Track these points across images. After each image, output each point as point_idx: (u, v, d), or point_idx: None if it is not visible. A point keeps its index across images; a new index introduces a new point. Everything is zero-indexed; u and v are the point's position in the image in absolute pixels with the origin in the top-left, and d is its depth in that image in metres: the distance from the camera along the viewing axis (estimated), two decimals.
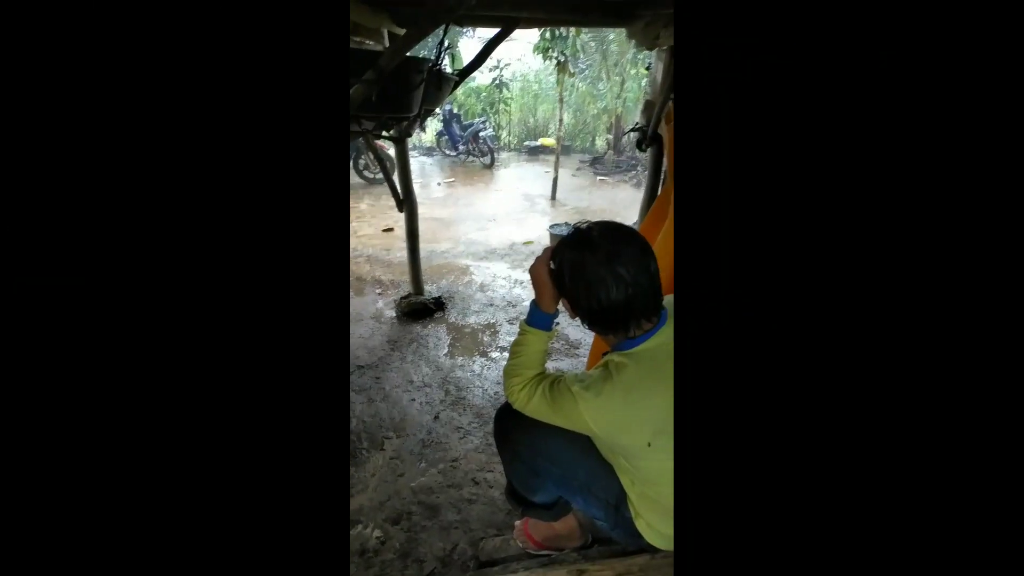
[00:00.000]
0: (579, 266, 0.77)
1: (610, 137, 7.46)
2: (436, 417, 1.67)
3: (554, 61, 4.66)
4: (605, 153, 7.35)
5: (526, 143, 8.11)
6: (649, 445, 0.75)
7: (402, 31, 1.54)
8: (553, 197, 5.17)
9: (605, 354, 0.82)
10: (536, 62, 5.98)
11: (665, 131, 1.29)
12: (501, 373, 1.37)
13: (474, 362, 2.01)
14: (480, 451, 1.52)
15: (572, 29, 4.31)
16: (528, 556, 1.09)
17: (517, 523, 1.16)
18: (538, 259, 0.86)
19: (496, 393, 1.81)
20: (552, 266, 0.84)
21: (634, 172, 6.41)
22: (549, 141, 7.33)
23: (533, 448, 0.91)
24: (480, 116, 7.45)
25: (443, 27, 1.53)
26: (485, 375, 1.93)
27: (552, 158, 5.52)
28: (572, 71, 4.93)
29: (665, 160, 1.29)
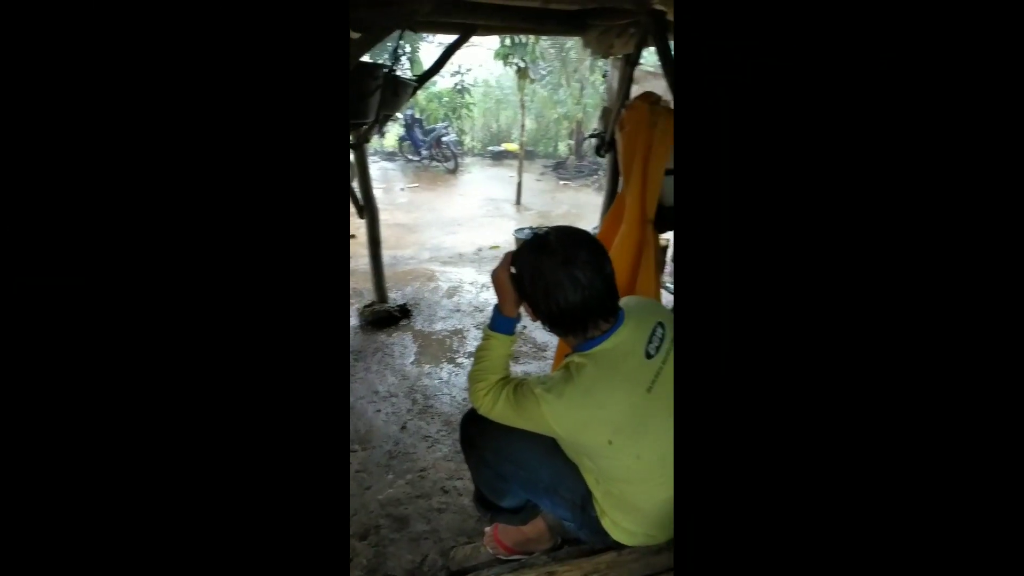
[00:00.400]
0: (538, 270, 0.78)
1: (572, 142, 7.60)
2: (403, 427, 1.64)
3: (514, 67, 4.72)
4: (567, 158, 7.47)
5: (490, 148, 8.14)
6: (610, 443, 0.77)
7: (356, 36, 1.52)
8: (518, 202, 5.21)
9: (568, 355, 0.84)
10: (498, 68, 6.02)
11: (619, 137, 1.33)
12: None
13: (441, 369, 1.99)
14: (449, 459, 1.50)
15: (531, 36, 4.37)
16: (499, 562, 1.09)
17: (487, 529, 1.15)
18: (499, 264, 0.87)
19: (465, 399, 1.79)
20: (513, 271, 0.85)
21: (596, 176, 6.56)
22: (512, 146, 7.39)
23: (499, 453, 0.91)
24: (443, 121, 7.42)
25: (398, 33, 1.52)
26: (453, 382, 1.91)
27: (516, 163, 5.56)
28: (532, 77, 5.00)
29: (620, 165, 1.33)
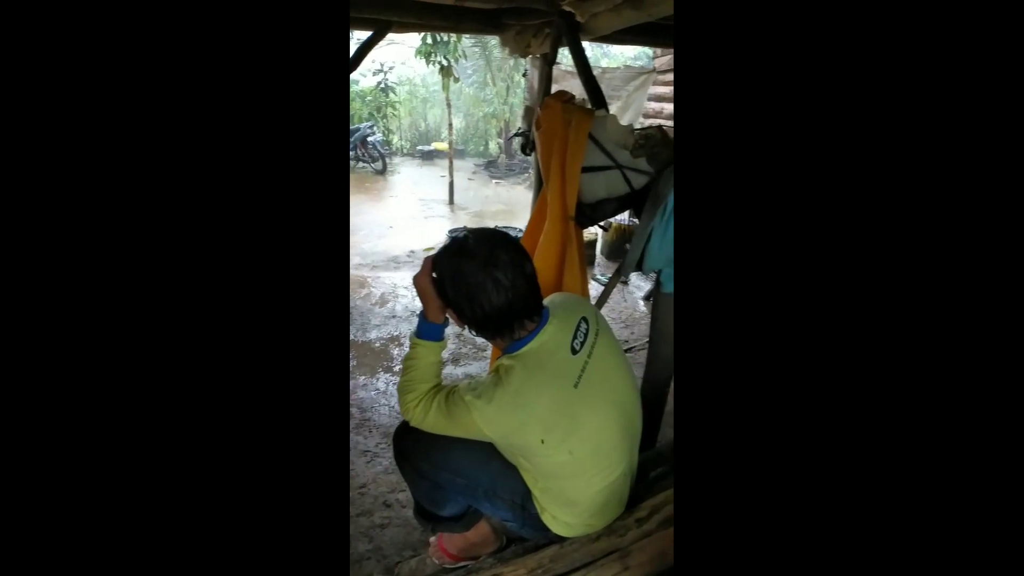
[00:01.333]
0: (459, 274, 0.77)
1: (501, 141, 7.64)
2: None
3: (437, 66, 4.64)
4: (498, 156, 7.51)
5: (419, 148, 7.97)
6: (543, 442, 0.78)
7: None
8: (451, 201, 5.15)
9: (498, 358, 0.84)
10: (422, 66, 5.89)
11: (536, 136, 1.35)
12: None
13: (378, 379, 1.92)
14: (390, 472, 1.45)
15: (452, 34, 4.32)
16: (446, 571, 1.07)
17: (432, 540, 1.13)
18: (420, 270, 0.85)
19: None
20: (435, 276, 0.83)
21: (527, 175, 6.64)
22: (443, 145, 7.28)
23: (433, 462, 0.89)
24: (367, 121, 7.13)
25: None
26: (391, 392, 1.85)
27: (447, 162, 5.50)
28: (457, 76, 4.94)
29: (540, 163, 1.36)
